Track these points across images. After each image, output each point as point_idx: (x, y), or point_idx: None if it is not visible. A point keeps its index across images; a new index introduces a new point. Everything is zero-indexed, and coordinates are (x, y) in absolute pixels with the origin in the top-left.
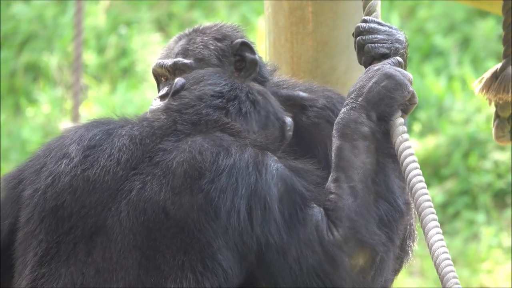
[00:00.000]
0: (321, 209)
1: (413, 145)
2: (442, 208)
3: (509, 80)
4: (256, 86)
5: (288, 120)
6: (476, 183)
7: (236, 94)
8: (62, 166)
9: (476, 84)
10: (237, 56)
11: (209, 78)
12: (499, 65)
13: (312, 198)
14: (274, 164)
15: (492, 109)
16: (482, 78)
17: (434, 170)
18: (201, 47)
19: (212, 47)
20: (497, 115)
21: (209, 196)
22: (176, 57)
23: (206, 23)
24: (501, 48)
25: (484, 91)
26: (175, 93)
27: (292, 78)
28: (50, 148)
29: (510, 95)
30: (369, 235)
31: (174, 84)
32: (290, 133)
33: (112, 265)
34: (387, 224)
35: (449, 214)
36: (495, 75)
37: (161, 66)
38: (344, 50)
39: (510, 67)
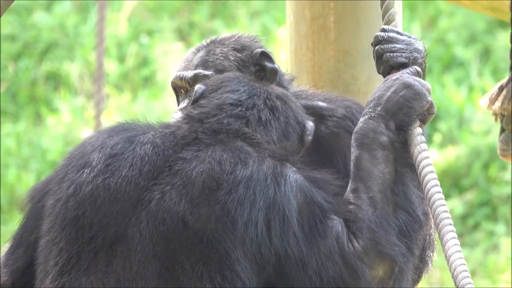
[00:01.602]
0: (341, 220)
1: (433, 156)
2: (462, 219)
3: None
4: (276, 89)
5: (309, 124)
6: (496, 194)
7: (254, 102)
8: (84, 176)
9: (483, 99)
10: (257, 66)
11: (228, 84)
12: (505, 79)
13: (332, 209)
14: (293, 175)
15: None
16: (489, 93)
17: (454, 181)
18: (221, 58)
19: (232, 58)
20: (502, 130)
21: (226, 208)
22: (196, 69)
23: (225, 33)
24: None
25: (490, 105)
26: (195, 101)
27: (310, 88)
28: (72, 156)
29: None
30: (389, 246)
31: (195, 92)
32: (310, 137)
33: (132, 275)
34: (407, 234)
35: (469, 225)
36: (501, 88)
37: (181, 78)
38: (366, 59)
39: None
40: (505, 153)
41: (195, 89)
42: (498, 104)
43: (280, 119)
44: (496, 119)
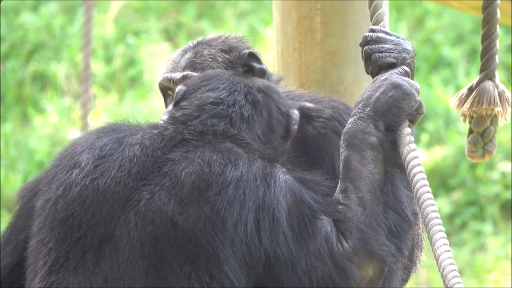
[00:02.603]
0: (331, 220)
1: (420, 156)
2: (449, 218)
3: (484, 94)
4: (257, 81)
5: (294, 113)
6: (484, 194)
7: (235, 99)
8: (73, 176)
9: (452, 99)
10: (245, 66)
11: (208, 83)
12: (475, 80)
13: (321, 210)
14: (282, 176)
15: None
16: (459, 94)
17: (442, 180)
18: (210, 59)
19: (220, 59)
20: (470, 131)
21: (215, 208)
22: (184, 70)
23: (212, 34)
24: (509, 58)
25: (459, 105)
26: (177, 102)
27: (297, 89)
28: (62, 157)
29: (483, 107)
30: (378, 246)
31: (176, 93)
32: (296, 126)
33: (120, 274)
34: (396, 234)
35: (456, 225)
36: (471, 90)
37: (169, 79)
38: (353, 60)
39: (487, 81)
40: (473, 155)
41: (176, 90)
42: (467, 105)
43: (263, 112)
44: (464, 120)
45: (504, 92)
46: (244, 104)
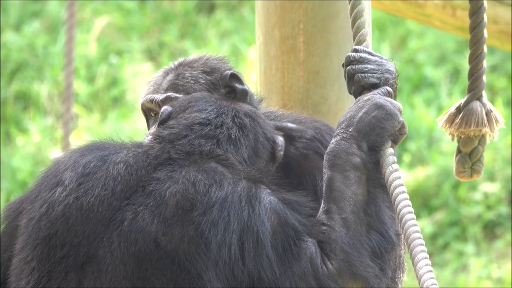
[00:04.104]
0: (315, 241)
1: (403, 176)
2: (431, 239)
3: (471, 115)
4: (244, 106)
5: (279, 139)
6: (466, 214)
7: (222, 120)
8: (56, 195)
9: (440, 118)
10: (227, 87)
11: (195, 104)
12: (463, 100)
13: (306, 231)
14: (267, 197)
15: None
16: (446, 113)
17: (424, 201)
18: (192, 81)
19: (203, 81)
20: (458, 151)
21: (200, 229)
22: (166, 92)
23: (193, 55)
24: (491, 79)
25: (447, 125)
26: (162, 122)
27: (279, 110)
28: (45, 175)
29: (471, 129)
30: (363, 267)
31: (161, 113)
32: (282, 152)
33: None
34: (379, 255)
35: (438, 245)
36: (459, 110)
37: (151, 100)
38: (335, 80)
39: (475, 101)
40: (462, 174)
41: (162, 110)
42: (455, 126)
43: (249, 136)
44: (452, 139)
45: (492, 111)
46: (231, 126)
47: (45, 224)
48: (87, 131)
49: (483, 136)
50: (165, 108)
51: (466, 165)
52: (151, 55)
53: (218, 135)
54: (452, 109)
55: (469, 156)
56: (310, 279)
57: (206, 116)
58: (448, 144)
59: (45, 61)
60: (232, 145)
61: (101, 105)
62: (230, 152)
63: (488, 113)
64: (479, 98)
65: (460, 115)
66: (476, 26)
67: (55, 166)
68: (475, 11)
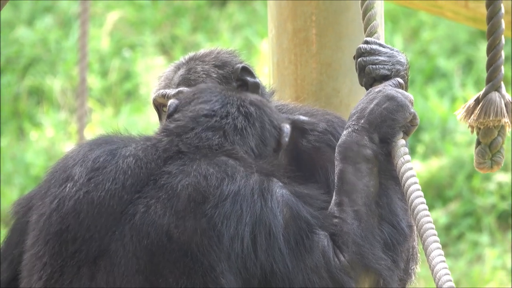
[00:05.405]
0: (327, 234)
1: (416, 167)
2: (446, 230)
3: (490, 105)
4: (249, 95)
5: (285, 127)
6: (480, 204)
7: (228, 110)
8: (67, 190)
9: (459, 111)
10: (239, 81)
11: (200, 95)
12: (481, 92)
13: (318, 224)
14: (279, 190)
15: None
16: (465, 105)
17: (438, 192)
18: (204, 76)
19: (215, 75)
20: (478, 142)
21: (212, 221)
22: (178, 87)
23: (204, 49)
24: (505, 70)
25: (466, 117)
26: (169, 115)
27: (291, 102)
28: (54, 171)
29: (491, 119)
30: (375, 260)
31: (168, 106)
32: (287, 139)
33: None
34: (392, 247)
35: (453, 236)
36: (478, 101)
37: (163, 96)
38: (348, 72)
39: (494, 92)
40: (482, 166)
41: (169, 104)
42: (474, 117)
43: (256, 124)
44: (472, 131)
45: (511, 102)
46: (237, 116)
47: (56, 219)
48: (100, 125)
49: (503, 127)
50: (172, 101)
51: (486, 156)
52: (164, 49)
53: (224, 126)
54: (471, 101)
55: (489, 147)
56: (322, 271)
57: (211, 107)
58: (462, 135)
59: (58, 56)
60: (239, 135)
61: (115, 99)
62: (237, 142)
63: (507, 104)
64: (497, 89)
65: (479, 106)
66: (493, 16)
67: (63, 161)
68: (492, 1)
